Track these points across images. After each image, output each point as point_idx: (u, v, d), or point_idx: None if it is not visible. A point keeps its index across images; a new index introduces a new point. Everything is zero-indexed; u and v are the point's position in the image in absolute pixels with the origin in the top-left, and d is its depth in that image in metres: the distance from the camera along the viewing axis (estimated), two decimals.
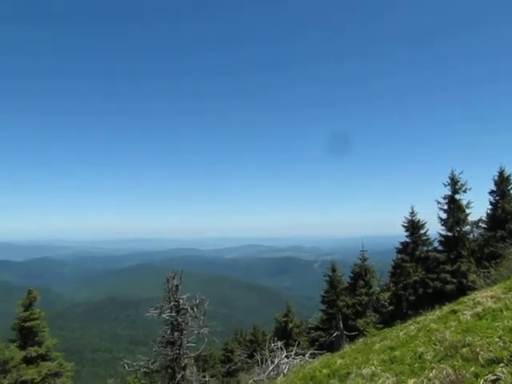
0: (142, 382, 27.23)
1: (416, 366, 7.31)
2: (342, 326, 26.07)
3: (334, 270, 31.73)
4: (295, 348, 21.15)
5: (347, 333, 25.41)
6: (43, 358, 16.00)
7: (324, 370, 9.31)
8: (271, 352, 20.25)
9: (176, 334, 15.80)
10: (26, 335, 16.09)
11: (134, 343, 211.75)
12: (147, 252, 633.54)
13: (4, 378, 14.34)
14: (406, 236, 29.17)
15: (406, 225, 29.14)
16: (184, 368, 16.03)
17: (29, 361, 15.63)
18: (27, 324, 16.02)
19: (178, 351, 15.80)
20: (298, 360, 19.72)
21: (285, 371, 17.95)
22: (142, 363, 16.77)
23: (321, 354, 19.22)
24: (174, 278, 15.84)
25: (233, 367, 33.91)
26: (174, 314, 15.66)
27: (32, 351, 15.61)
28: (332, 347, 24.01)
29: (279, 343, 20.64)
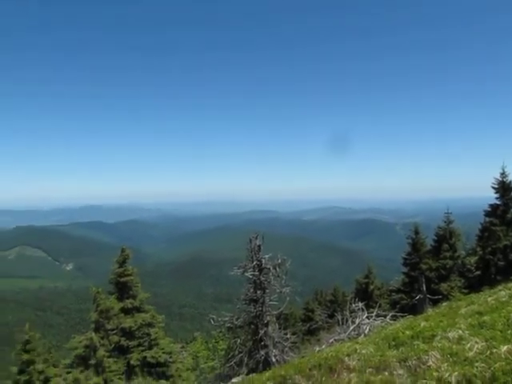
0: (227, 336, 28.66)
1: (509, 332, 7.04)
2: (424, 289, 25.54)
3: (416, 233, 30.80)
4: (376, 309, 21.09)
5: (430, 296, 24.87)
6: (138, 309, 17.31)
7: (407, 332, 9.24)
8: (352, 312, 20.33)
9: (259, 292, 16.34)
10: (122, 289, 17.43)
11: (217, 301, 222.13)
12: (228, 214, 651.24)
13: (108, 323, 15.97)
14: (496, 198, 27.45)
15: (495, 186, 27.39)
16: (266, 325, 16.60)
17: (126, 311, 17.00)
18: (122, 279, 17.30)
19: (260, 309, 16.36)
20: (378, 321, 19.69)
21: (366, 331, 18.03)
22: (226, 319, 17.57)
23: (402, 317, 19.04)
24: (256, 238, 16.26)
25: (313, 326, 34.51)
26: (256, 273, 16.15)
27: (128, 303, 16.94)
28: (414, 310, 23.66)
29: (360, 304, 20.67)
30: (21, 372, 19.17)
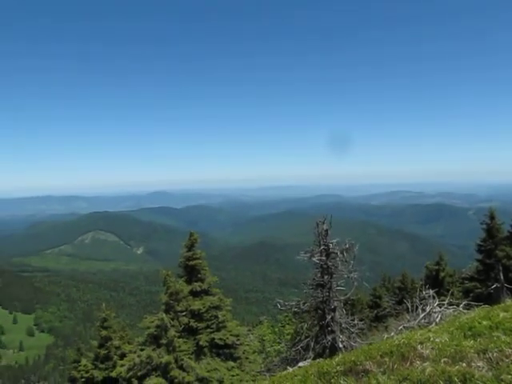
0: (293, 320, 28.80)
1: None
2: (502, 277, 24.27)
3: (492, 218, 29.11)
4: (448, 297, 20.29)
5: (508, 285, 23.59)
6: (206, 292, 17.65)
7: (484, 322, 8.74)
8: (422, 300, 19.70)
9: (326, 277, 16.18)
10: (191, 272, 17.82)
11: (283, 285, 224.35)
12: (293, 199, 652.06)
13: (177, 305, 16.52)
14: None
15: None
16: (333, 310, 16.44)
17: (194, 294, 17.40)
18: (190, 263, 17.68)
19: (327, 294, 16.22)
20: (451, 310, 18.94)
21: (437, 320, 17.40)
22: (293, 303, 17.59)
23: (477, 306, 18.18)
24: (323, 222, 16.05)
25: (381, 313, 33.87)
26: (323, 258, 15.98)
27: (196, 286, 17.31)
28: (489, 300, 22.51)
29: (431, 291, 19.96)
30: (100, 346, 20.43)
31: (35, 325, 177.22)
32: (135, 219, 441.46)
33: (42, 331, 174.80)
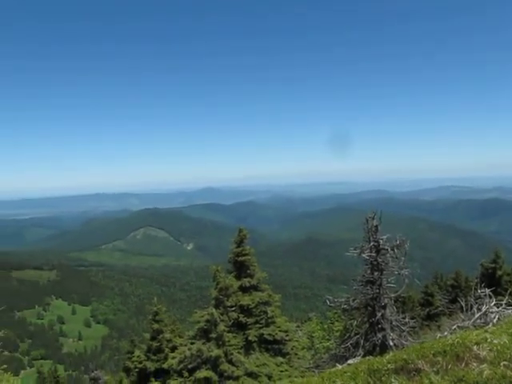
0: (342, 317, 28.47)
1: None
2: None
3: None
4: (506, 297, 19.42)
5: None
6: (255, 288, 17.77)
7: None
8: (477, 299, 18.96)
9: (376, 273, 15.86)
10: (240, 268, 17.99)
11: (331, 281, 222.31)
12: (341, 194, 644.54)
13: (227, 300, 16.84)
14: None
15: None
16: (384, 307, 16.11)
17: (243, 289, 17.57)
18: (240, 258, 17.84)
19: (377, 290, 15.91)
20: (510, 311, 18.14)
21: (494, 321, 16.71)
22: (342, 300, 17.35)
23: None
24: (373, 218, 15.74)
25: (433, 311, 32.89)
26: (373, 254, 15.65)
27: (246, 282, 17.47)
28: None
29: (487, 290, 19.19)
30: (153, 339, 21.10)
31: (92, 316, 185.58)
32: (185, 215, 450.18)
33: (98, 323, 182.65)
